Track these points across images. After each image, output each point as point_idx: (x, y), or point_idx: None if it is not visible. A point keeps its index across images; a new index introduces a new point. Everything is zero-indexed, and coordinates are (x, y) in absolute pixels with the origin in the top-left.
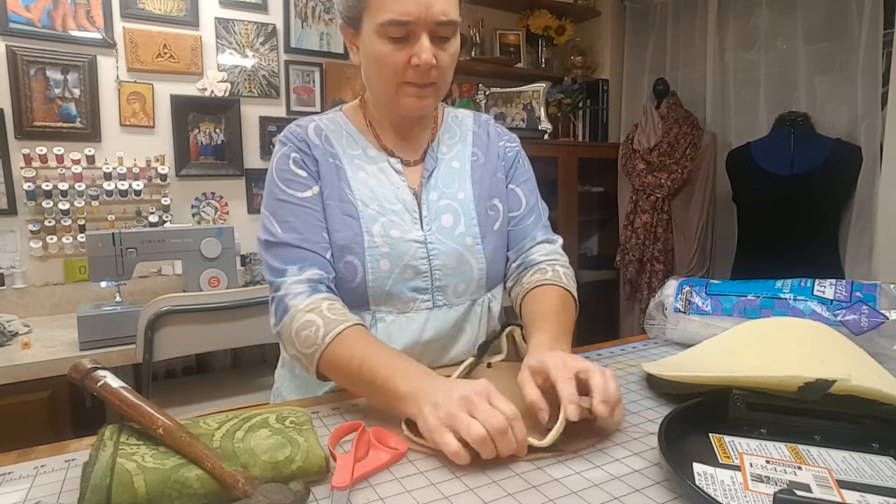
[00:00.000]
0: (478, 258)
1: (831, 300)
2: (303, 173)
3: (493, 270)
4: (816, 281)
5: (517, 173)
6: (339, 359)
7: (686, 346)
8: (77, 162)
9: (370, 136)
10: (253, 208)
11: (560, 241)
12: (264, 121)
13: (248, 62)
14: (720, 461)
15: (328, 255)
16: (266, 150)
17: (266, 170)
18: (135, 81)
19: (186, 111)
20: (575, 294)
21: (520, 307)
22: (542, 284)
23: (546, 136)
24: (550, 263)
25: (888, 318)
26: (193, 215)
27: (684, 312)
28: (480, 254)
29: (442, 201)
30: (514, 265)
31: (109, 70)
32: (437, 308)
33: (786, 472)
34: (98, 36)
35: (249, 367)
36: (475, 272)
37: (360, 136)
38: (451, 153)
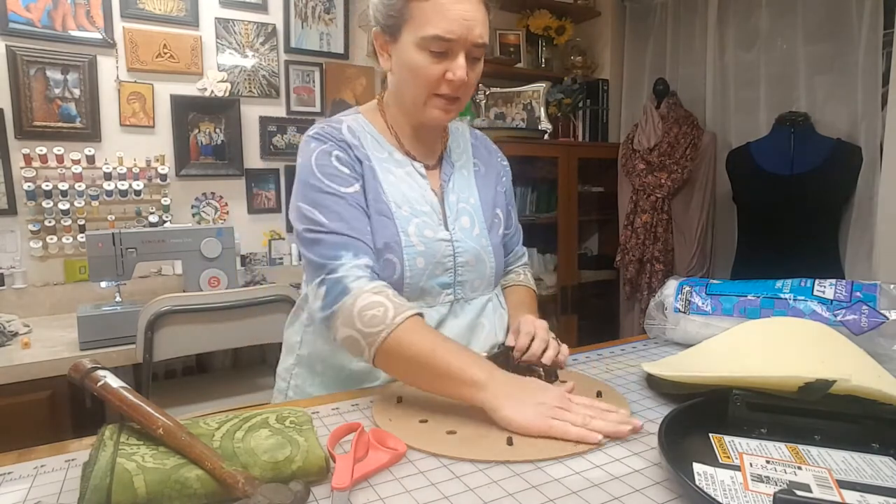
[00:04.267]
0: (489, 258)
1: (831, 300)
2: (346, 170)
3: (499, 270)
4: (816, 281)
5: (511, 194)
6: (409, 341)
7: (686, 346)
8: (77, 162)
9: (392, 139)
10: (253, 208)
11: (526, 250)
12: (264, 121)
13: (248, 62)
14: (720, 461)
15: (373, 248)
16: (266, 150)
17: (266, 170)
18: (135, 81)
19: (186, 111)
20: (535, 289)
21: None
22: (519, 284)
23: (546, 136)
24: (522, 268)
25: (888, 318)
26: (193, 215)
27: (684, 312)
28: (492, 254)
29: (460, 204)
30: None
31: (109, 70)
32: (457, 302)
33: (786, 472)
34: (98, 36)
35: (249, 367)
36: (488, 270)
37: (384, 139)
38: (460, 161)
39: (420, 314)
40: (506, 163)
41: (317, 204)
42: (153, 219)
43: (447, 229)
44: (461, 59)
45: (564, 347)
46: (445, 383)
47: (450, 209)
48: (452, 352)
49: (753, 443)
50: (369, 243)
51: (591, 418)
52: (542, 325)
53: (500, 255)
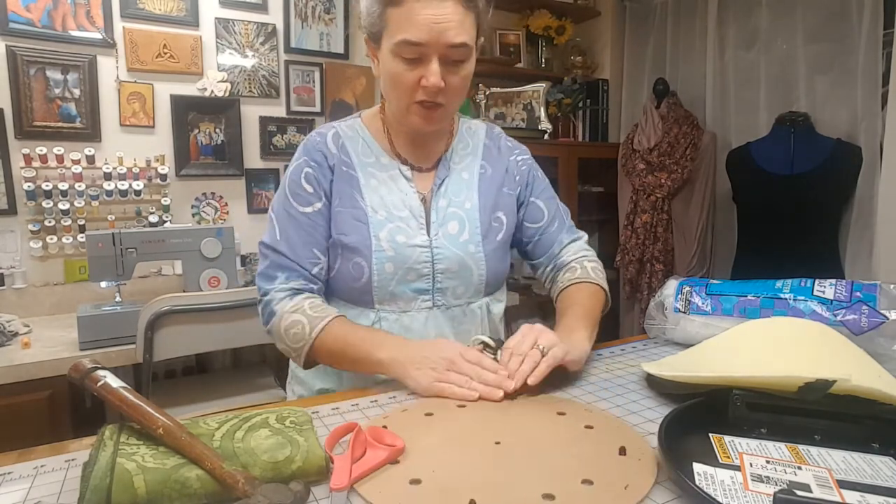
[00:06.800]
0: (479, 265)
1: (831, 300)
2: (310, 188)
3: (492, 277)
4: (816, 281)
5: (535, 186)
6: (324, 346)
7: (686, 346)
8: (77, 162)
9: (385, 143)
10: (253, 208)
11: (585, 236)
12: (264, 121)
13: (248, 62)
14: (720, 461)
15: (315, 270)
16: (266, 150)
17: (266, 170)
18: (135, 81)
19: (186, 111)
20: (604, 285)
21: (556, 303)
22: (574, 283)
23: (546, 136)
24: (579, 261)
25: (888, 318)
26: (193, 215)
27: (684, 312)
28: (482, 261)
29: (450, 209)
30: (548, 269)
31: (109, 70)
32: (437, 308)
33: (786, 472)
34: (98, 36)
35: (249, 367)
36: (475, 277)
37: (375, 143)
38: (462, 164)
39: (338, 316)
40: (521, 158)
41: (279, 217)
42: (153, 219)
43: (428, 235)
44: (434, 65)
45: (543, 365)
46: (362, 365)
47: (436, 214)
48: (362, 339)
49: (753, 443)
50: (307, 266)
51: (471, 380)
52: (529, 338)
53: (497, 261)
